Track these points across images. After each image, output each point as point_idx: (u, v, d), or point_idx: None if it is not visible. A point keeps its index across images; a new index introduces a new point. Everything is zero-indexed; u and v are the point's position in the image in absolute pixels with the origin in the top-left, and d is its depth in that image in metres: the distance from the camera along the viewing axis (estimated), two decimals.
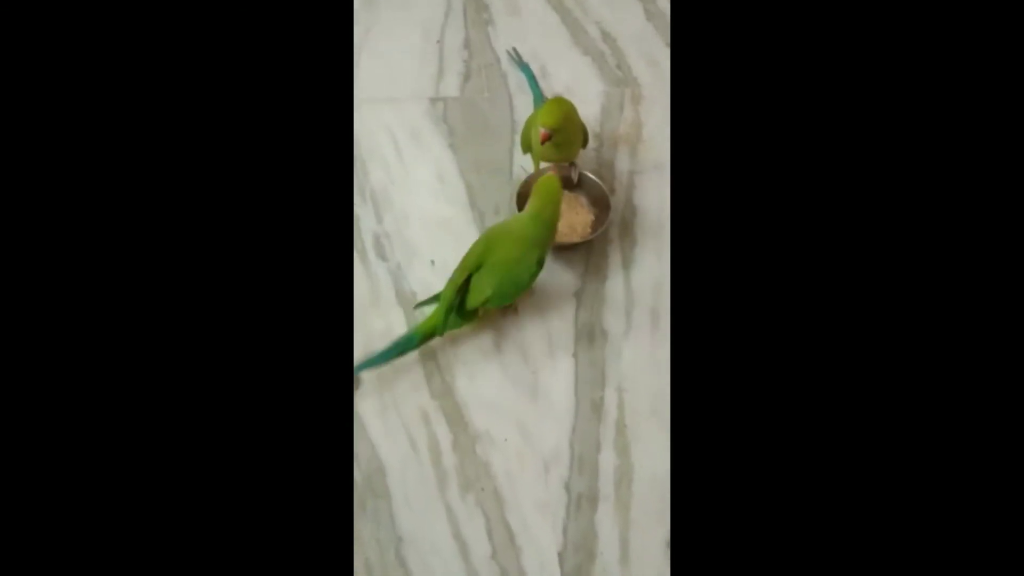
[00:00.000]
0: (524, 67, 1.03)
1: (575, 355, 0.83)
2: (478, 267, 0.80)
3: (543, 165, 0.92)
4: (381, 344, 0.82)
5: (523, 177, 0.92)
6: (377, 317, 0.85)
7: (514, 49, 1.05)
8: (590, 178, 0.91)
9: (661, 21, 1.10)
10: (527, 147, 0.91)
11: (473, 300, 0.80)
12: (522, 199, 0.89)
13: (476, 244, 0.82)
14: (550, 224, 0.81)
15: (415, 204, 0.93)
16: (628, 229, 0.91)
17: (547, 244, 0.82)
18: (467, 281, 0.80)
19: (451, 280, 0.81)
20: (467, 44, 1.08)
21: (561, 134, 0.84)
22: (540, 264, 0.82)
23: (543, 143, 0.84)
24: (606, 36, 1.08)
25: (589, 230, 0.89)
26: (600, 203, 0.90)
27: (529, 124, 0.91)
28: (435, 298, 0.82)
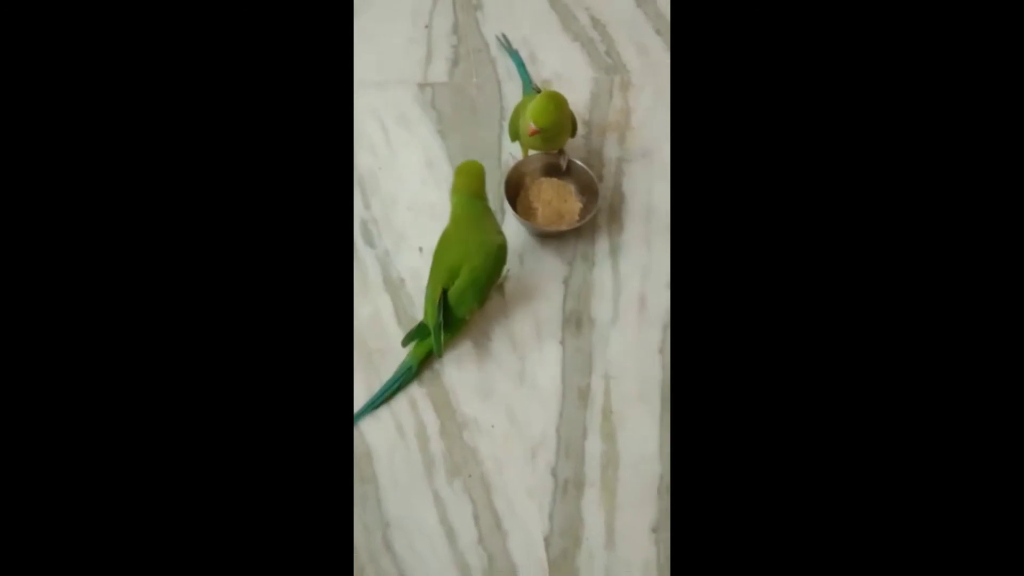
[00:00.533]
0: (514, 53, 1.03)
1: (562, 342, 0.83)
2: (452, 278, 0.79)
3: (531, 152, 0.92)
4: (368, 329, 0.83)
5: (511, 163, 0.92)
6: (365, 303, 0.85)
7: (503, 35, 1.05)
8: (579, 166, 0.91)
9: (651, 7, 1.09)
10: (515, 135, 0.91)
11: (462, 312, 0.79)
12: (510, 185, 0.89)
13: (442, 256, 0.80)
14: (484, 196, 0.82)
15: (403, 190, 0.93)
16: (616, 216, 0.91)
17: (492, 219, 0.82)
18: (444, 292, 0.79)
19: (428, 299, 0.79)
20: (456, 29, 1.07)
21: (551, 130, 0.84)
22: (506, 249, 0.82)
23: (531, 136, 0.84)
24: (596, 22, 1.08)
25: (577, 218, 0.89)
26: (588, 191, 0.90)
27: (517, 112, 0.90)
28: (418, 329, 0.80)
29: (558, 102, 0.84)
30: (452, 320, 0.79)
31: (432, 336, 0.78)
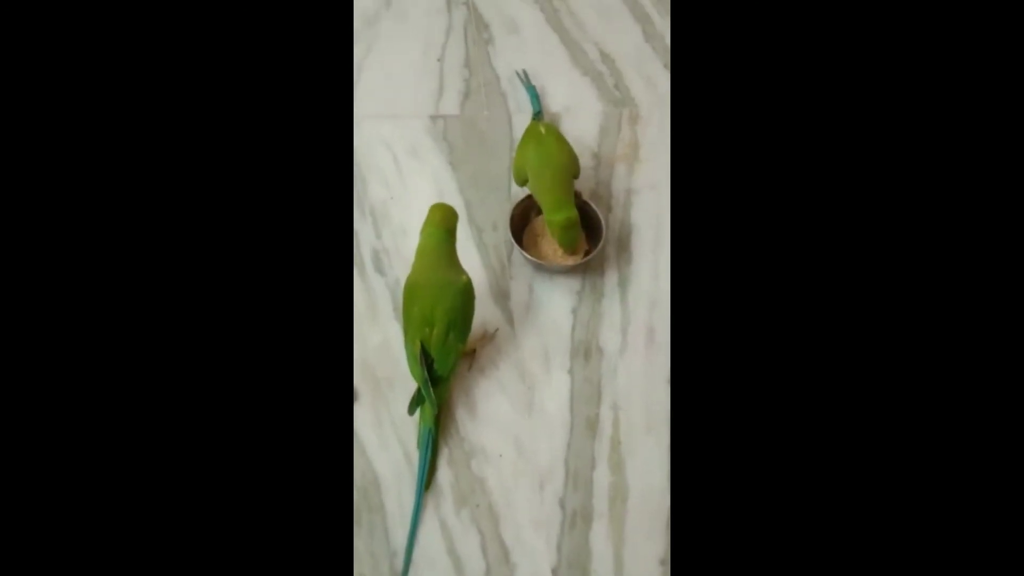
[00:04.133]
0: (530, 88, 1.04)
1: (571, 372, 0.83)
2: (427, 326, 0.77)
3: None
4: (377, 357, 0.83)
5: (520, 195, 0.93)
6: (375, 332, 0.85)
7: (524, 71, 1.06)
8: (588, 207, 0.90)
9: (659, 43, 1.11)
10: (522, 180, 0.91)
11: (449, 361, 0.78)
12: (515, 220, 0.90)
13: (411, 306, 0.78)
14: (455, 235, 0.80)
15: (414, 220, 0.93)
16: (624, 247, 0.92)
17: (457, 260, 0.80)
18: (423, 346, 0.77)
19: (409, 355, 0.78)
20: (467, 62, 1.09)
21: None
22: (472, 288, 0.80)
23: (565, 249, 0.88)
24: (604, 56, 1.10)
25: (580, 256, 0.89)
26: (595, 232, 0.90)
27: (524, 151, 0.91)
28: (419, 393, 0.78)
29: (577, 220, 0.86)
30: (439, 372, 0.77)
31: (424, 393, 0.77)
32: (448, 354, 0.78)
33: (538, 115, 0.99)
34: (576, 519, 0.75)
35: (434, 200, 0.95)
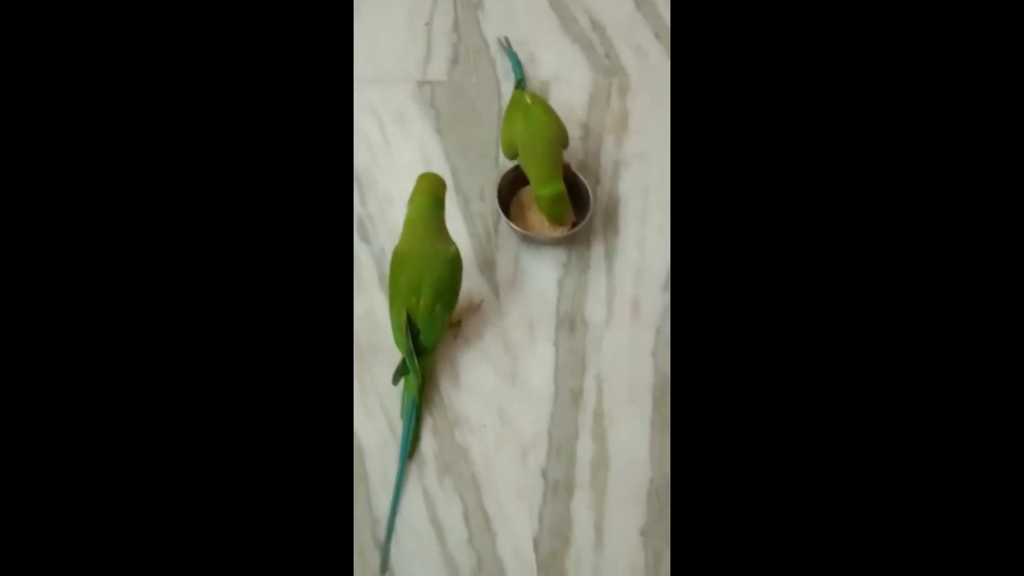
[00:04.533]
0: (512, 55, 1.02)
1: (556, 343, 0.83)
2: (414, 295, 0.76)
3: None
4: (362, 326, 0.83)
5: (507, 163, 0.92)
6: (360, 301, 0.85)
7: (506, 39, 1.05)
8: (576, 178, 0.90)
9: (650, 11, 1.10)
10: (511, 154, 0.90)
11: (435, 333, 0.78)
12: (503, 189, 0.89)
13: (398, 276, 0.77)
14: (443, 206, 0.79)
15: (399, 187, 0.92)
16: (611, 219, 0.92)
17: (446, 230, 0.79)
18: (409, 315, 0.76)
19: (394, 325, 0.78)
20: (456, 27, 1.07)
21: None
22: (460, 260, 0.80)
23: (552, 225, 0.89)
24: (595, 24, 1.08)
25: (568, 227, 0.88)
26: (583, 203, 0.89)
27: (509, 121, 0.90)
28: (404, 364, 0.78)
29: (564, 193, 0.86)
30: (424, 343, 0.77)
31: (408, 363, 0.77)
32: (434, 325, 0.77)
33: (520, 83, 0.97)
34: (558, 489, 0.76)
35: (420, 167, 0.94)
